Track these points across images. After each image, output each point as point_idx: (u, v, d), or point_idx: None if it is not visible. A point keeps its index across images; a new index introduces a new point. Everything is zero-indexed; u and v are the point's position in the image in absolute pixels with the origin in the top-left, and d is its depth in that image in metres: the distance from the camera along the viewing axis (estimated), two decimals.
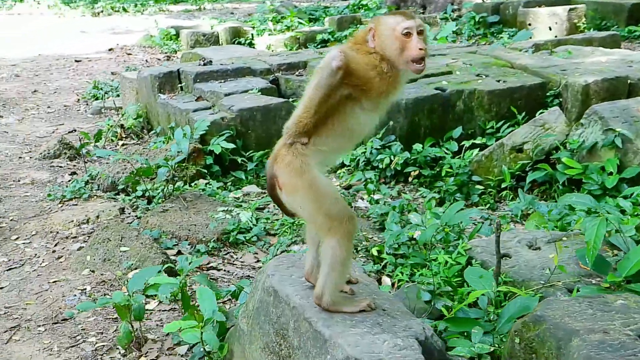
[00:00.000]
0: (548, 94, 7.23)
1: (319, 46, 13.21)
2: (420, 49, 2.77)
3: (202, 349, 3.47)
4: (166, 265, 4.55)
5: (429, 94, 7.00)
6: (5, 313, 4.18)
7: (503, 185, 6.40)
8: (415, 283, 4.45)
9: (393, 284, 4.79)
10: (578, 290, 3.95)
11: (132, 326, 3.76)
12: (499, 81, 7.31)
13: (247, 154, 6.91)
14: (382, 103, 2.86)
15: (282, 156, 2.81)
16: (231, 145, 6.63)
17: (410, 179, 6.64)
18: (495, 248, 4.12)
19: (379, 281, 4.97)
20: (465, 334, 3.44)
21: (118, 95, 9.83)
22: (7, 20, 20.21)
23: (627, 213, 5.02)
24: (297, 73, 8.25)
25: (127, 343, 3.72)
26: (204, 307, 3.37)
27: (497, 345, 3.31)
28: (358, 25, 14.21)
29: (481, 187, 6.48)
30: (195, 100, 7.63)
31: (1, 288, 4.52)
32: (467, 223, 4.91)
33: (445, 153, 6.76)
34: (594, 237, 3.94)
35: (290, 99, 7.69)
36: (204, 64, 8.29)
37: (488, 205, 6.33)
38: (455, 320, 3.49)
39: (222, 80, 7.94)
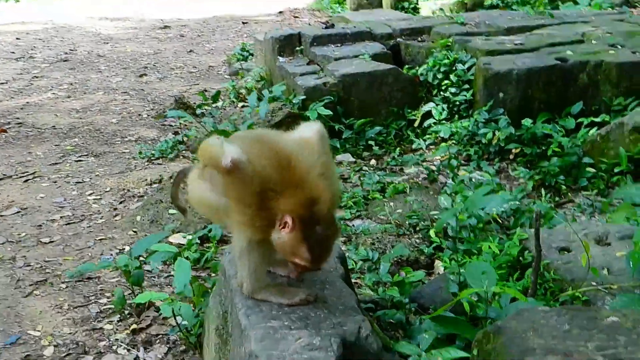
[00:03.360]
0: None
1: (487, 10, 12.46)
2: None
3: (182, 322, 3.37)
4: (202, 232, 4.49)
5: (547, 64, 6.32)
6: (40, 267, 4.33)
7: (617, 170, 5.67)
8: (453, 272, 4.05)
9: (445, 268, 4.40)
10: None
11: (133, 291, 3.74)
12: (634, 52, 6.44)
13: (347, 121, 6.67)
14: None
15: None
16: (329, 112, 6.41)
17: (512, 157, 6.08)
18: (534, 243, 3.62)
19: (431, 265, 4.60)
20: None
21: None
22: None
23: None
24: (419, 39, 7.81)
25: (121, 308, 3.71)
26: (177, 280, 3.26)
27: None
28: None
29: (592, 170, 5.79)
30: (307, 64, 7.47)
31: (52, 242, 4.69)
32: (491, 209, 4.33)
33: (558, 131, 6.10)
34: None
35: (407, 66, 7.31)
36: (326, 27, 8.10)
37: (597, 190, 5.65)
38: (439, 319, 3.09)
39: (339, 45, 7.71)
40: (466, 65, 6.71)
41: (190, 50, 11.59)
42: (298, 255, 2.40)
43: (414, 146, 6.57)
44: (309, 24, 14.25)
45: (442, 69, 6.82)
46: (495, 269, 3.99)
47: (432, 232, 4.63)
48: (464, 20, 8.09)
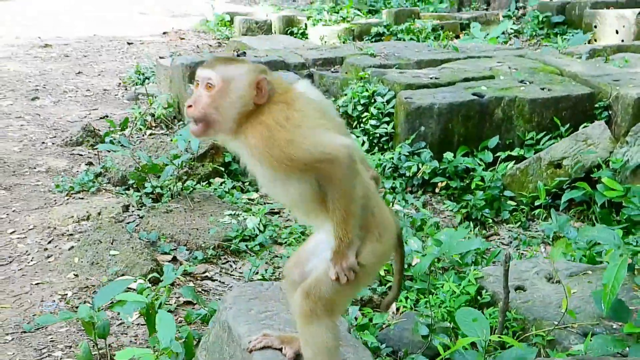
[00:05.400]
0: (597, 105, 6.69)
1: (373, 39, 12.75)
2: (189, 105, 2.34)
3: None
4: (151, 275, 4.29)
5: (465, 100, 6.55)
6: None
7: (537, 203, 5.95)
8: (417, 313, 4.08)
9: (398, 309, 4.42)
10: (592, 337, 3.53)
11: (97, 344, 3.50)
12: (543, 89, 6.80)
13: None
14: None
15: None
16: None
17: (437, 190, 6.24)
18: (503, 283, 3.72)
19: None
20: None
21: (156, 82, 9.64)
22: None
23: None
24: (332, 69, 7.88)
25: None
26: (161, 335, 3.08)
27: None
28: (415, 20, 13.71)
29: (513, 204, 6.04)
30: None
31: None
32: (468, 253, 4.48)
33: (478, 164, 6.32)
34: (613, 280, 3.49)
35: None
36: (238, 55, 8.01)
37: (519, 223, 5.89)
38: None
39: None
40: (385, 98, 6.83)
41: (79, 72, 11.08)
42: None
43: None
44: (197, 46, 14.08)
45: (361, 102, 6.90)
46: (456, 308, 4.08)
47: (381, 271, 4.64)
48: (374, 51, 8.24)
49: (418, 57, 8.05)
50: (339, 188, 2.23)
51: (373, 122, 6.79)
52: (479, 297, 4.19)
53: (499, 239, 5.74)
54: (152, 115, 8.17)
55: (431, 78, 7.11)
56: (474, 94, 6.66)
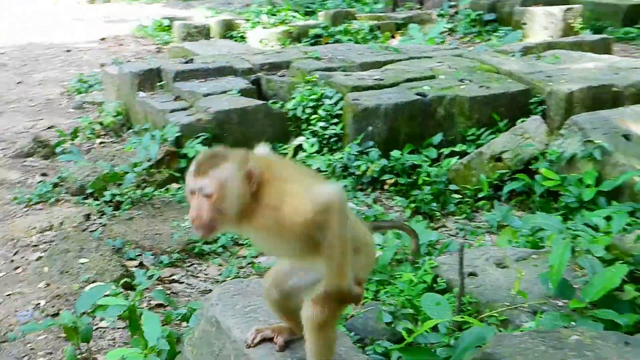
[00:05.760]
0: (532, 101, 7.09)
1: (312, 41, 13.03)
2: (193, 218, 2.43)
3: None
4: (123, 280, 4.45)
5: (410, 100, 6.87)
6: None
7: (480, 195, 6.30)
8: (379, 302, 4.36)
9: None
10: (542, 315, 3.86)
11: (80, 349, 3.66)
12: (482, 87, 7.18)
13: None
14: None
15: None
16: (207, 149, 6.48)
17: (386, 187, 6.53)
18: (458, 270, 4.02)
19: None
20: None
21: (102, 90, 9.69)
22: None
23: (600, 230, 4.92)
24: (279, 74, 8.11)
25: None
26: (148, 334, 3.26)
27: None
28: (352, 21, 14.03)
29: (458, 196, 6.37)
30: (174, 99, 7.50)
31: None
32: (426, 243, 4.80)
33: (424, 161, 6.64)
34: (558, 262, 3.84)
35: (272, 101, 7.56)
36: (186, 62, 8.16)
37: (465, 215, 6.22)
38: (409, 350, 3.38)
39: (203, 80, 7.80)
40: (333, 100, 7.10)
41: (20, 82, 11.04)
42: None
43: None
44: (137, 52, 14.09)
45: (310, 104, 7.15)
46: (415, 297, 4.37)
47: None
48: (319, 55, 8.51)
49: (361, 60, 8.34)
50: (335, 232, 2.37)
51: (322, 123, 7.05)
52: (434, 285, 4.48)
53: (446, 230, 6.05)
54: (101, 124, 8.25)
55: (376, 79, 7.41)
56: (417, 94, 6.99)
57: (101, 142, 7.89)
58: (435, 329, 3.85)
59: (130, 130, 7.96)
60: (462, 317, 3.41)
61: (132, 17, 17.76)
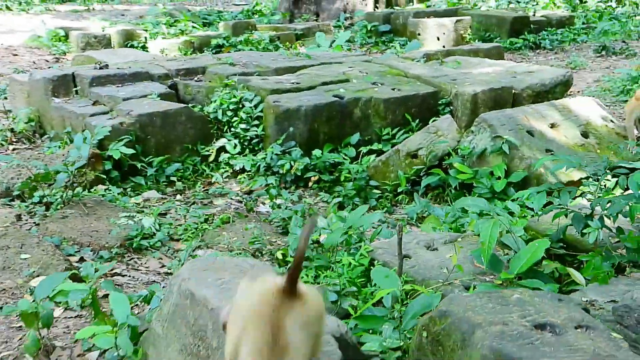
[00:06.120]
0: (440, 102, 7.57)
1: (213, 51, 13.19)
2: None
3: (115, 354, 3.46)
4: (70, 272, 4.48)
5: (328, 102, 7.18)
6: None
7: (399, 190, 6.66)
8: (321, 284, 4.60)
9: (306, 282, 4.90)
10: (474, 288, 4.20)
11: (40, 334, 3.70)
12: (393, 89, 7.58)
13: (147, 159, 6.86)
14: None
15: None
16: (130, 151, 6.54)
17: (310, 184, 6.80)
18: (397, 249, 4.32)
19: None
20: (371, 331, 3.61)
21: (6, 98, 9.47)
22: None
23: (516, 215, 5.36)
24: (195, 78, 8.25)
25: (35, 351, 3.66)
26: (117, 312, 3.37)
27: (403, 341, 3.49)
28: (253, 31, 14.29)
29: (378, 192, 6.72)
30: (92, 104, 7.49)
31: None
32: (367, 226, 5.09)
33: (344, 159, 6.96)
34: (489, 238, 4.20)
35: (190, 105, 7.68)
36: (100, 68, 8.16)
37: (385, 209, 6.56)
38: (364, 318, 3.64)
39: (120, 85, 7.84)
40: (253, 103, 7.31)
41: None
42: None
43: (212, 180, 6.99)
44: (34, 62, 13.80)
45: (230, 107, 7.33)
46: (354, 278, 4.65)
47: (278, 254, 5.12)
48: (233, 61, 8.70)
49: (276, 65, 8.60)
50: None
51: (243, 125, 7.25)
52: (371, 267, 4.76)
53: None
54: (12, 130, 8.11)
55: (293, 83, 7.69)
56: (334, 96, 7.31)
57: (14, 149, 7.76)
58: (379, 304, 4.14)
59: (45, 136, 7.88)
60: (411, 286, 3.69)
61: (21, 28, 17.33)
